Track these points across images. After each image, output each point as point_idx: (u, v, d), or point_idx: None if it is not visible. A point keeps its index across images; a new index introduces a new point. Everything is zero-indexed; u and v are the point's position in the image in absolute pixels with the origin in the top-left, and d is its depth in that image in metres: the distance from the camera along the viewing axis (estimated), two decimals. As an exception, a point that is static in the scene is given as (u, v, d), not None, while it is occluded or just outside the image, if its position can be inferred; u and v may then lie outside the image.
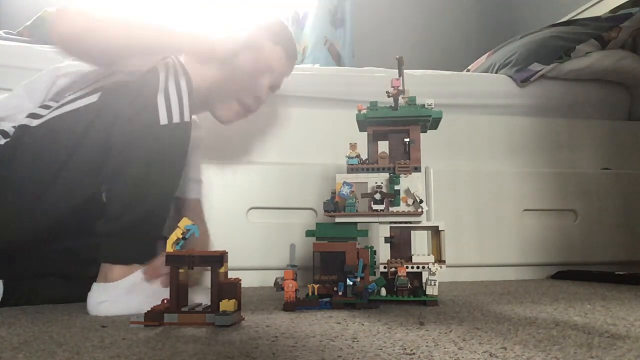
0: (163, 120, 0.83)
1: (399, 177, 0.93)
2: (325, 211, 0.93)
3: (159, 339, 0.60)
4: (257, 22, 1.16)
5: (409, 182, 0.93)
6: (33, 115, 0.88)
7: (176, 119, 0.84)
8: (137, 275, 0.82)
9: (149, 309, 0.71)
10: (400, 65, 0.98)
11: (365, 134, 0.99)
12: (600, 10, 1.88)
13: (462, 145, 1.53)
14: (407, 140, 0.96)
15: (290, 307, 0.85)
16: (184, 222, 0.75)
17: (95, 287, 0.81)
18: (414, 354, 0.52)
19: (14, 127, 0.88)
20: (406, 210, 0.92)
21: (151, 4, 2.51)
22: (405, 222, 0.93)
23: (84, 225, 0.90)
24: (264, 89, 1.11)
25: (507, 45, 1.85)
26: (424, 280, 0.91)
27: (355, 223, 0.93)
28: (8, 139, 0.86)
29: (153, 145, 0.83)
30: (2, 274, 0.88)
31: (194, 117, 1.16)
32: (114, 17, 0.88)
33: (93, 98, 0.85)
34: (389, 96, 0.93)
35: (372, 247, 0.94)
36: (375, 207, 0.92)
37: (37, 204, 0.84)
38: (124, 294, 0.80)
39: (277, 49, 1.12)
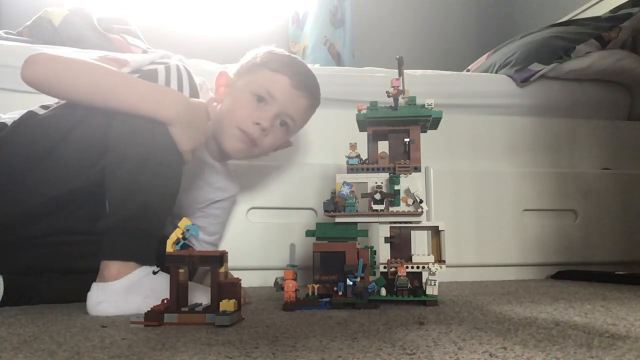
0: None
1: (399, 177, 0.93)
2: (325, 211, 0.93)
3: (159, 339, 0.60)
4: (250, 54, 1.13)
5: (409, 182, 0.93)
6: (44, 107, 0.91)
7: None
8: (135, 274, 0.81)
9: (149, 309, 0.71)
10: (400, 65, 0.98)
11: (365, 134, 0.99)
12: (600, 10, 1.88)
13: (462, 145, 1.53)
14: (407, 140, 0.96)
15: (290, 307, 0.85)
16: (184, 222, 0.75)
17: (95, 286, 0.81)
18: (414, 354, 0.52)
19: None
20: (406, 210, 0.92)
21: (153, 4, 2.52)
22: (405, 222, 0.93)
23: (79, 221, 0.91)
24: (265, 115, 1.06)
25: (507, 45, 1.85)
26: (424, 280, 0.91)
27: (355, 223, 0.93)
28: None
29: (150, 140, 0.84)
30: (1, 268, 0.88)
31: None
32: (81, 64, 0.86)
33: None
34: (389, 96, 0.93)
35: (372, 247, 0.94)
36: (375, 207, 0.92)
37: (23, 185, 0.86)
38: (122, 294, 0.80)
39: (277, 76, 1.07)
